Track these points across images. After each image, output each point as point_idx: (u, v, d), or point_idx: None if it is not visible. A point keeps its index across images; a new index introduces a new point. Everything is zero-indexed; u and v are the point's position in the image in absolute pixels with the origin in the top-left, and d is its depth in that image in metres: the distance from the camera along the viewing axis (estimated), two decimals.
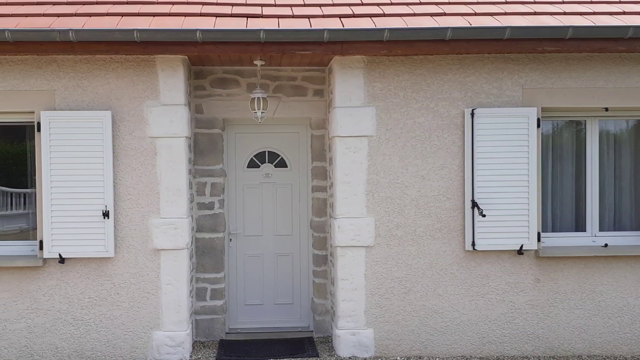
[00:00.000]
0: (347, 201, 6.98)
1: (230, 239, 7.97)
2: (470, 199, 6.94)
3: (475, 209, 6.91)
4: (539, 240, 6.99)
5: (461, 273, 7.05)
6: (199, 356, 7.14)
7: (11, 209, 7.21)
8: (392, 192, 6.99)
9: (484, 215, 6.88)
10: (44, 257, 6.79)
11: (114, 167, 6.86)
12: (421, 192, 7.00)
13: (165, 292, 6.95)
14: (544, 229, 7.32)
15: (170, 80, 6.87)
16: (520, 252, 6.94)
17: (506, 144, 6.92)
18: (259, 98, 7.14)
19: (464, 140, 6.95)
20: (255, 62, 7.20)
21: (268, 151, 7.99)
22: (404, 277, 7.03)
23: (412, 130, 6.98)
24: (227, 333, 7.95)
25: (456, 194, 7.00)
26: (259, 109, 7.13)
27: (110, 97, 6.87)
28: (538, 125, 6.93)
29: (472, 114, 6.91)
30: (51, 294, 6.92)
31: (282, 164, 7.97)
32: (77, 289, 6.93)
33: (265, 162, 8.00)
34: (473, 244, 6.94)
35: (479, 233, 6.94)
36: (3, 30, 6.40)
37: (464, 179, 6.96)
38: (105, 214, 6.78)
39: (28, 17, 6.88)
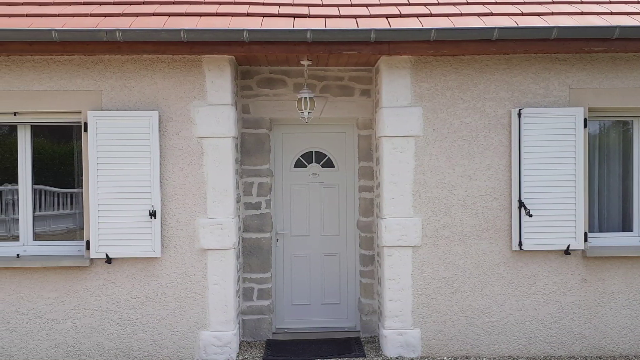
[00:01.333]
0: (394, 201, 7.23)
1: (277, 239, 8.24)
2: (517, 199, 7.19)
3: (522, 209, 7.15)
4: (585, 240, 7.23)
5: (508, 273, 7.29)
6: (246, 356, 7.38)
7: (58, 209, 7.45)
8: (439, 192, 7.24)
9: (530, 215, 7.12)
10: (91, 257, 7.02)
11: (160, 167, 7.10)
12: (468, 192, 7.25)
13: (212, 292, 7.19)
14: (591, 229, 7.55)
15: (217, 81, 7.12)
16: (567, 252, 7.19)
17: (553, 144, 7.17)
18: (305, 98, 7.39)
19: (510, 140, 7.20)
20: (302, 62, 7.45)
21: (315, 151, 8.24)
22: (450, 277, 7.28)
23: (459, 130, 7.24)
24: (274, 333, 8.19)
25: (503, 194, 7.25)
26: (305, 109, 7.39)
27: (157, 97, 7.12)
28: (585, 125, 7.18)
29: (519, 114, 7.17)
30: (98, 294, 7.17)
31: (329, 164, 8.22)
32: (124, 289, 7.18)
33: (312, 162, 8.25)
34: (520, 244, 7.19)
35: (526, 233, 7.19)
36: (50, 30, 6.63)
37: (510, 179, 7.21)
38: (152, 214, 7.03)
39: (75, 17, 7.12)
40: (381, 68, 7.19)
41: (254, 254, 7.99)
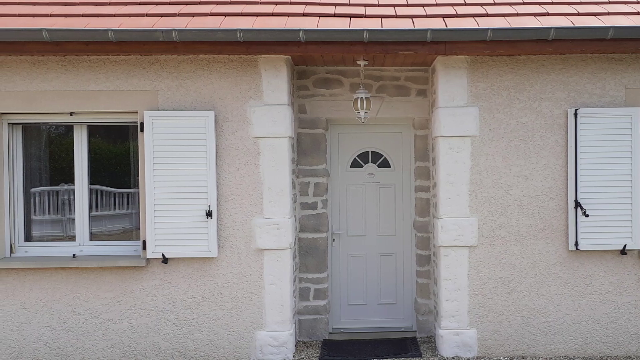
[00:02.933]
0: (450, 201, 7.55)
1: (334, 239, 8.57)
2: (574, 198, 7.51)
3: (579, 208, 7.49)
4: None
5: (564, 273, 7.62)
6: (302, 356, 7.68)
7: (114, 209, 7.77)
8: (495, 192, 7.57)
9: (587, 215, 7.44)
10: (147, 257, 7.32)
11: (217, 167, 7.40)
12: (524, 192, 7.57)
13: (268, 292, 7.49)
14: None
15: (274, 81, 7.44)
16: (623, 252, 7.50)
17: (609, 143, 7.48)
18: (362, 98, 7.70)
19: (566, 140, 7.51)
20: (358, 62, 7.76)
21: (371, 151, 8.55)
22: (507, 277, 7.60)
23: (515, 130, 7.56)
24: (330, 333, 8.49)
25: (559, 193, 7.57)
26: (362, 109, 7.72)
27: (213, 97, 7.45)
28: None
29: (575, 114, 7.49)
30: (154, 294, 7.48)
31: (385, 164, 8.52)
32: (180, 289, 7.49)
33: (368, 162, 8.56)
34: (576, 244, 7.50)
35: (582, 233, 7.50)
36: (106, 30, 6.91)
37: (566, 179, 7.52)
38: (209, 214, 7.34)
39: (131, 17, 7.43)
40: (437, 68, 7.52)
41: (310, 254, 8.30)
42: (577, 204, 7.42)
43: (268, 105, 7.39)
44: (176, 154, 7.28)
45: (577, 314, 7.56)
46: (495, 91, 7.47)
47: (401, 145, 8.55)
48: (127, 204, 7.73)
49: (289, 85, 7.49)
